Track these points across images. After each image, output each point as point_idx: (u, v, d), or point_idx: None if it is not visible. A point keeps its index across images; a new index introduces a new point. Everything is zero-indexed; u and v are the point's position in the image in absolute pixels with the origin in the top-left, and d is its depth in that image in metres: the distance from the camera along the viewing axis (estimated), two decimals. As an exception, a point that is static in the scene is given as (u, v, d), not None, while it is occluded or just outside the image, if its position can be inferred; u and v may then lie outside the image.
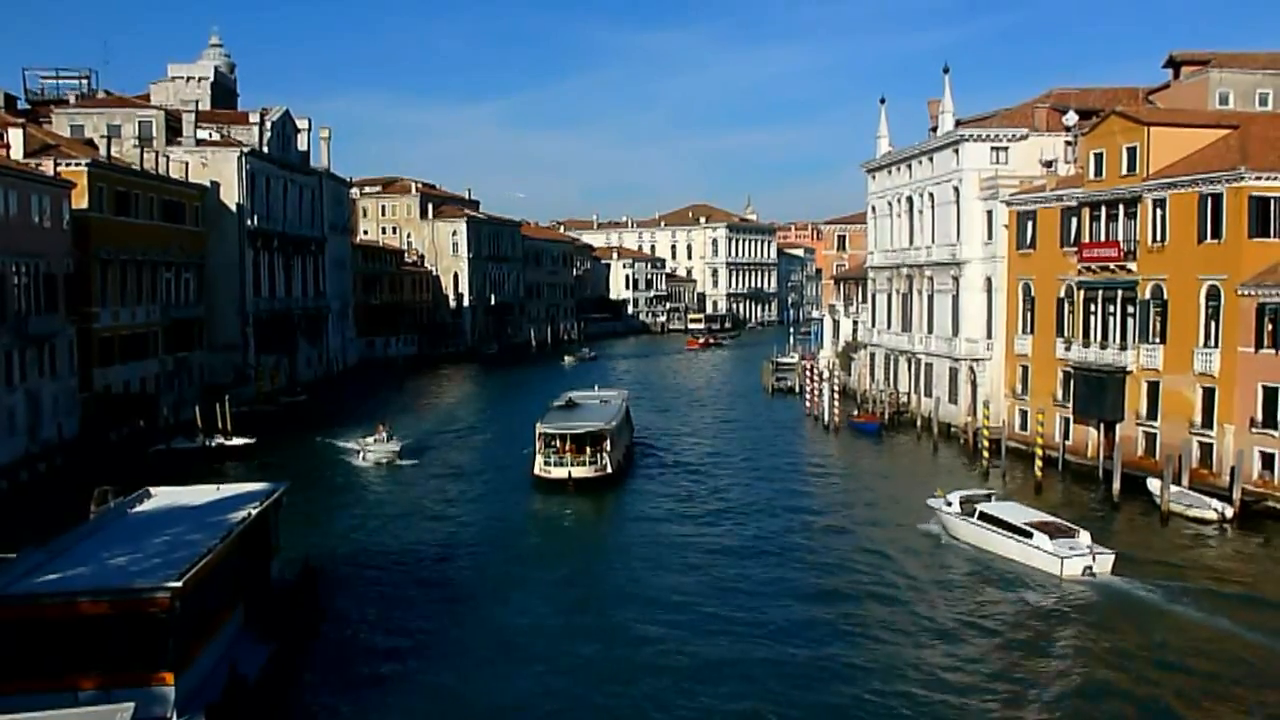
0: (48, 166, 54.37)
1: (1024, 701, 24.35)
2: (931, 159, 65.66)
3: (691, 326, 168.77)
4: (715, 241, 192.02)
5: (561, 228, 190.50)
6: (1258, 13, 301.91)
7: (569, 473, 47.27)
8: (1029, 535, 34.62)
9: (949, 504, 38.73)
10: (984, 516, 36.71)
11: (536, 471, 48.50)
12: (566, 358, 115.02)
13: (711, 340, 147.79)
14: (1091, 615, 30.21)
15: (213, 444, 56.41)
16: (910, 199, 69.27)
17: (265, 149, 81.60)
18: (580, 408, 55.25)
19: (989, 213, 59.12)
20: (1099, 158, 49.80)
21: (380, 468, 53.35)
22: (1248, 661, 26.50)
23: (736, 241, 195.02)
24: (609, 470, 48.32)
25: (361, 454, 54.72)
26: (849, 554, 36.98)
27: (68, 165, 56.40)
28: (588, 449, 48.15)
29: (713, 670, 26.31)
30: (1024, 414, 54.60)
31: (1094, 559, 33.30)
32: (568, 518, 44.36)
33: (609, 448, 48.80)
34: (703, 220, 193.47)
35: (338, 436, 59.66)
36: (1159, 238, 46.33)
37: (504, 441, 61.14)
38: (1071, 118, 58.04)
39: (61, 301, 53.20)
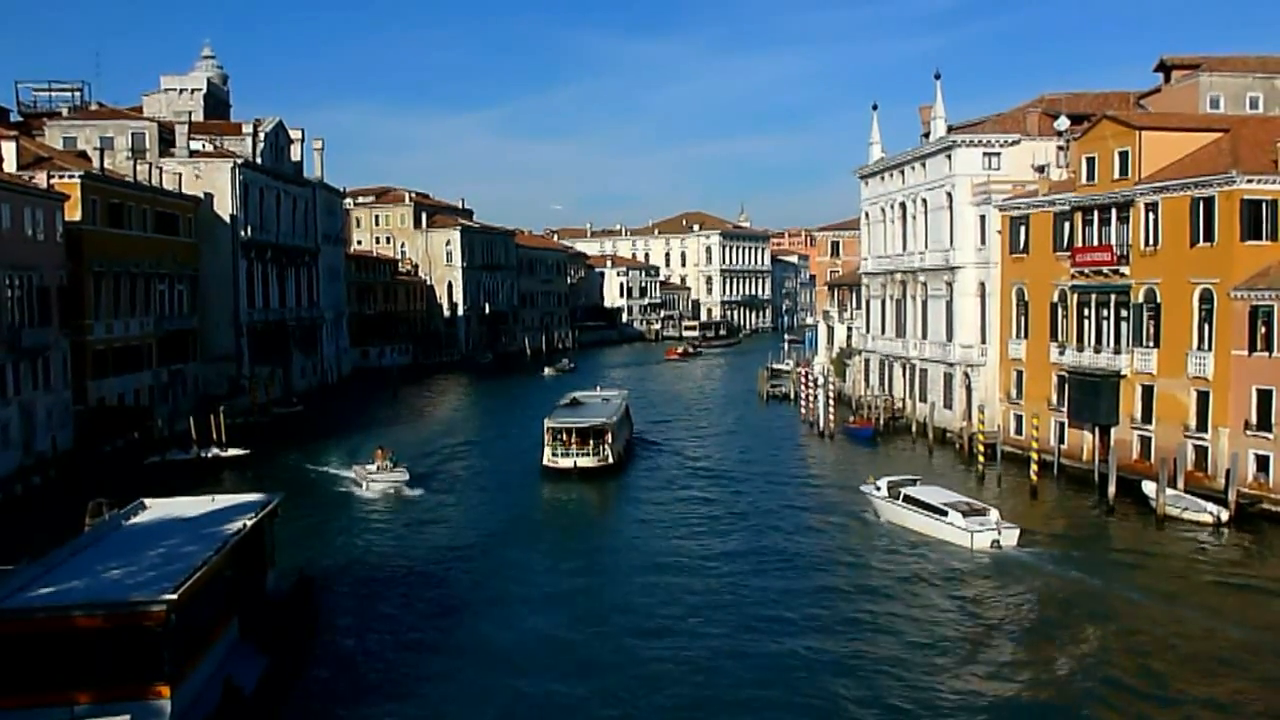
0: (41, 179, 54.30)
1: (914, 638, 29.14)
2: (924, 165, 65.79)
3: (686, 334, 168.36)
4: (709, 249, 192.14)
5: (555, 236, 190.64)
6: (1247, 17, 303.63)
7: (574, 463, 52.06)
8: (944, 513, 38.49)
9: (878, 489, 42.53)
10: (907, 499, 40.64)
11: (545, 462, 52.98)
12: (547, 369, 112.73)
13: (691, 350, 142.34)
14: (989, 577, 34.46)
15: (207, 455, 56.22)
16: (903, 204, 69.36)
17: (259, 160, 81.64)
18: (584, 405, 59.89)
19: (982, 218, 59.23)
20: (1091, 162, 49.94)
21: (387, 499, 47.93)
22: (1108, 607, 31.31)
23: (730, 249, 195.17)
24: (610, 461, 52.84)
25: (364, 485, 49.40)
26: (801, 534, 41.24)
27: (61, 177, 56.34)
28: (591, 441, 52.69)
29: (687, 621, 30.70)
30: (1019, 418, 54.66)
31: (1001, 533, 37.09)
32: (573, 502, 48.78)
33: (610, 440, 53.30)
34: (696, 228, 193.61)
35: (333, 461, 56.02)
36: (1152, 241, 46.44)
37: (501, 446, 62.65)
38: (1063, 122, 58.21)
39: (55, 314, 53.13)
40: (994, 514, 38.25)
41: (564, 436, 53.02)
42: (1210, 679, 26.04)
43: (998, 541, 36.87)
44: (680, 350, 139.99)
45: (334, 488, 51.02)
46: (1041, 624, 30.46)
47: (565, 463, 52.15)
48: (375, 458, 51.03)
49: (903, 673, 26.52)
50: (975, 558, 36.24)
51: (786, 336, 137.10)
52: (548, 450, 53.04)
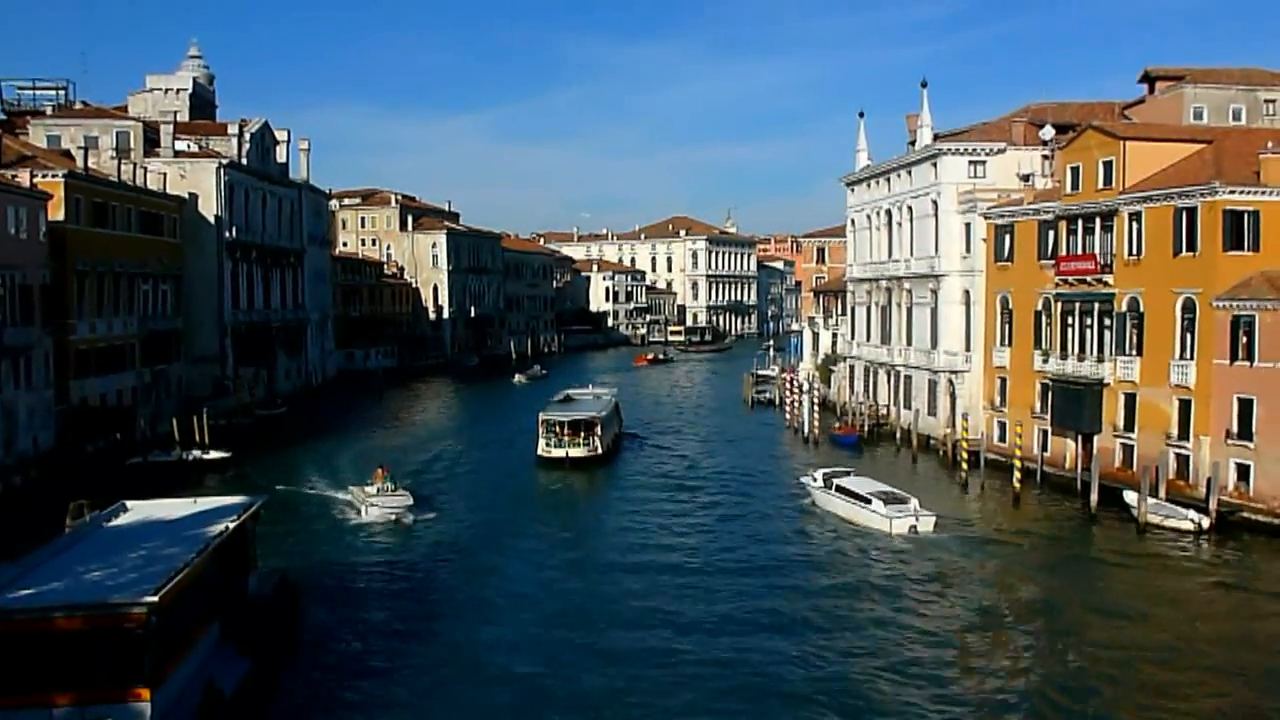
0: (24, 178, 53.93)
1: (829, 598, 33.79)
2: (910, 172, 66.03)
3: (672, 339, 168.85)
4: (695, 254, 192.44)
5: (542, 240, 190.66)
6: (1230, 30, 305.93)
7: (566, 453, 56.43)
8: (869, 502, 42.30)
9: (815, 480, 46.44)
10: (839, 489, 44.45)
11: (539, 452, 57.41)
12: (517, 376, 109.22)
13: (662, 356, 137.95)
14: (898, 556, 38.42)
15: (190, 457, 55.96)
16: (889, 212, 69.60)
17: (244, 160, 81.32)
18: (576, 401, 64.79)
19: (967, 226, 59.46)
20: (1075, 171, 50.22)
21: (388, 525, 43.43)
22: (991, 576, 36.23)
23: (716, 254, 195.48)
24: (599, 451, 57.41)
25: (363, 509, 44.69)
26: (757, 521, 44.76)
27: (44, 176, 55.99)
28: (582, 433, 57.26)
29: (653, 594, 34.24)
30: (1002, 426, 54.87)
31: (918, 520, 40.90)
32: (564, 488, 52.88)
33: (599, 433, 57.86)
34: (683, 233, 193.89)
35: (317, 479, 52.67)
36: (1135, 251, 46.72)
37: (489, 447, 64.15)
38: (1048, 132, 58.53)
39: (38, 313, 52.77)
40: (913, 502, 41.88)
41: (557, 429, 57.47)
42: (1052, 646, 29.73)
43: (915, 527, 40.73)
44: (650, 357, 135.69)
45: (328, 510, 46.98)
46: (927, 594, 34.15)
47: (558, 452, 56.64)
48: (374, 478, 46.37)
49: (798, 628, 30.83)
50: (893, 541, 40.09)
51: (765, 344, 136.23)
52: (542, 441, 57.49)
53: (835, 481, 45.18)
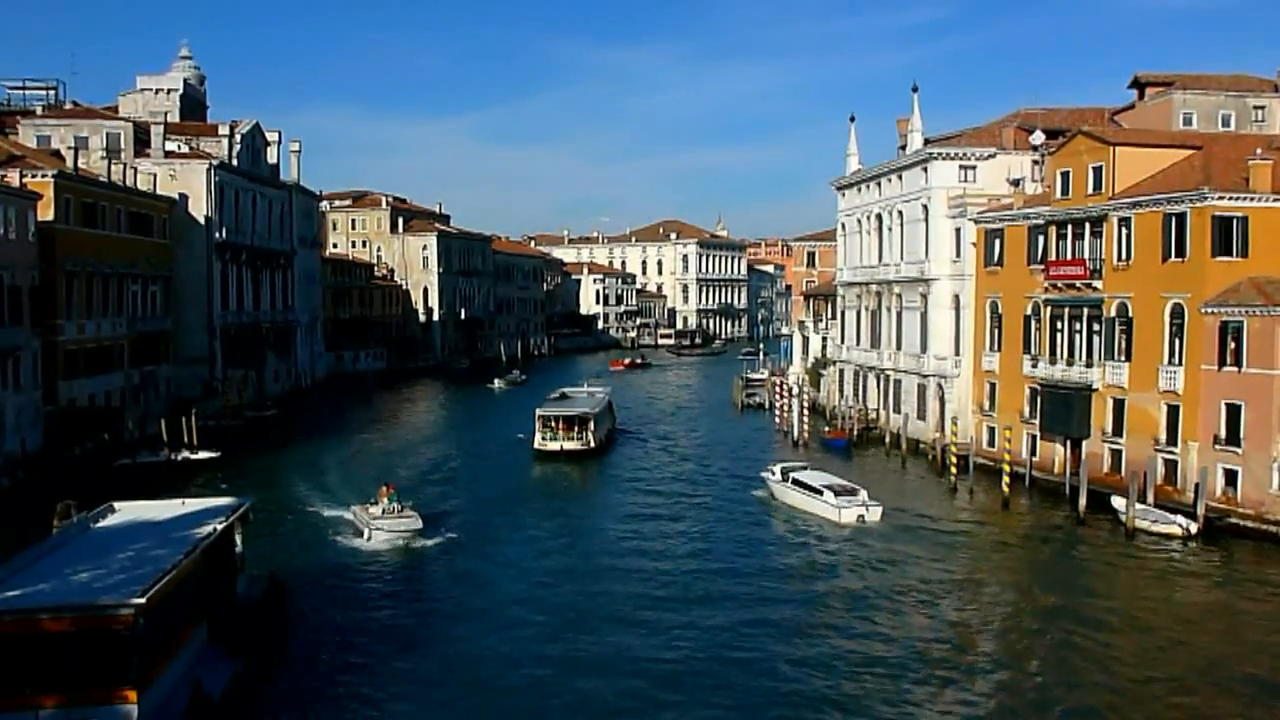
0: (13, 178, 53.79)
1: (786, 574, 37.40)
2: (900, 177, 66.15)
3: (662, 342, 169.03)
4: (686, 257, 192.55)
5: (532, 242, 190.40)
6: (1220, 36, 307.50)
7: (561, 446, 59.76)
8: (820, 493, 44.94)
9: (773, 474, 49.18)
10: (795, 481, 47.17)
11: (536, 445, 60.48)
12: (496, 381, 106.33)
13: (640, 361, 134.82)
14: (842, 541, 41.44)
15: (178, 458, 55.81)
16: (879, 216, 69.72)
17: (234, 162, 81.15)
18: (571, 399, 68.20)
19: (957, 230, 59.61)
20: (1065, 177, 50.38)
21: (396, 550, 39.82)
22: (921, 559, 38.74)
23: (707, 258, 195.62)
24: (592, 445, 60.53)
25: (367, 532, 40.67)
26: (730, 509, 47.84)
27: (34, 176, 55.82)
28: (576, 428, 60.57)
29: (640, 580, 36.51)
30: (991, 430, 54.98)
31: (866, 509, 43.78)
32: (559, 481, 55.49)
33: (593, 428, 61.11)
34: (673, 236, 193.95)
35: (320, 494, 49.51)
36: (1124, 256, 46.88)
37: (482, 447, 64.94)
38: (1038, 137, 58.69)
39: (26, 313, 52.57)
40: (863, 494, 44.79)
41: (553, 423, 60.74)
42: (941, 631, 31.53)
43: (863, 517, 43.53)
44: (627, 362, 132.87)
45: (306, 486, 49.09)
46: (860, 573, 37.11)
47: (553, 446, 59.88)
48: (379, 496, 42.36)
49: (739, 594, 34.59)
50: (841, 529, 42.80)
51: (745, 349, 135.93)
52: (538, 435, 60.57)
53: (791, 475, 47.78)
